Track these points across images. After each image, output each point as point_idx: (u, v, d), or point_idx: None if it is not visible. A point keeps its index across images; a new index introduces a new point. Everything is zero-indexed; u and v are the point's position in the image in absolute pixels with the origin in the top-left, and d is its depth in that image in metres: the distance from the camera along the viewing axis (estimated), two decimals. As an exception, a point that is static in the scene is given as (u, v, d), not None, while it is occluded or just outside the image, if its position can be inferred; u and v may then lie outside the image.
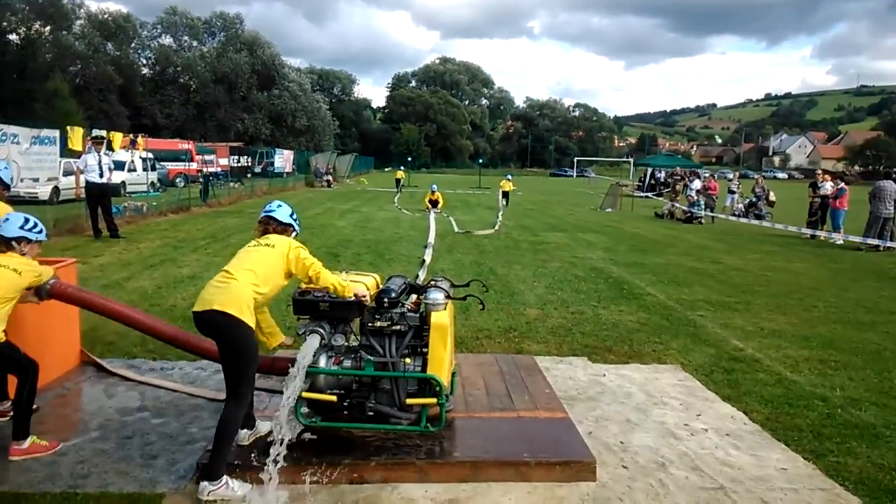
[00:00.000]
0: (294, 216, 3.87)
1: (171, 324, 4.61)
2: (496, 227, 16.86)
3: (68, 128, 15.28)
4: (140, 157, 24.66)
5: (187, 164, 29.97)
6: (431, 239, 13.62)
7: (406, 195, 30.62)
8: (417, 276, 9.02)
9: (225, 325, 3.30)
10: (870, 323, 7.60)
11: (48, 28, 48.54)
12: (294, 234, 3.84)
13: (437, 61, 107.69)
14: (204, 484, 3.28)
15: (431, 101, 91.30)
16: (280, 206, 3.87)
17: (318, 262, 3.62)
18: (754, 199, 21.76)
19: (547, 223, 18.98)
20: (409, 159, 64.38)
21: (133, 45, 57.88)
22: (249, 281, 3.40)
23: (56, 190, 18.65)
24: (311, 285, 3.68)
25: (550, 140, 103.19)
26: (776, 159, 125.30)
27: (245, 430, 3.67)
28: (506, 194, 25.29)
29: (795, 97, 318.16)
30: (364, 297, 3.71)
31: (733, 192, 24.23)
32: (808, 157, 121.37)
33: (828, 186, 17.02)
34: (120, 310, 4.17)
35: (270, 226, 3.76)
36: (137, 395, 4.67)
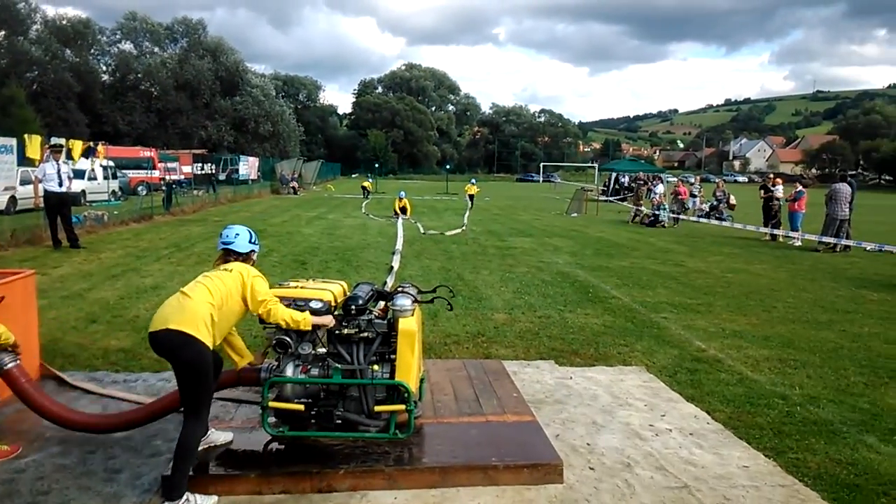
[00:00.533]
0: (254, 239, 3.77)
1: (126, 409, 4.39)
2: (463, 227, 18.35)
3: (26, 136, 14.89)
4: (100, 166, 24.19)
5: (149, 172, 29.48)
6: (399, 245, 13.65)
7: (374, 201, 30.58)
8: (385, 282, 9.05)
9: (181, 344, 3.23)
10: (827, 322, 7.82)
11: (2, 33, 47.40)
12: (255, 254, 3.79)
13: (403, 67, 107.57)
14: None
15: (398, 108, 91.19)
16: (238, 234, 3.73)
17: (272, 297, 3.56)
18: (715, 203, 22.21)
19: (514, 228, 19.11)
20: (377, 165, 64.21)
21: (92, 51, 56.79)
22: (205, 299, 3.34)
23: (13, 199, 18.17)
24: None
25: (517, 146, 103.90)
26: (736, 163, 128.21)
27: None
28: (471, 197, 28.23)
29: (754, 102, 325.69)
30: (325, 324, 3.69)
31: (695, 196, 24.78)
32: (767, 160, 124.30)
33: (779, 189, 17.50)
34: (73, 418, 3.94)
35: (231, 256, 3.69)
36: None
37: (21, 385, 3.88)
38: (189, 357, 3.25)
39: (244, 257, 3.70)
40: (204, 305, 3.32)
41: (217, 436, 3.75)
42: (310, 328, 3.63)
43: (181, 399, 3.42)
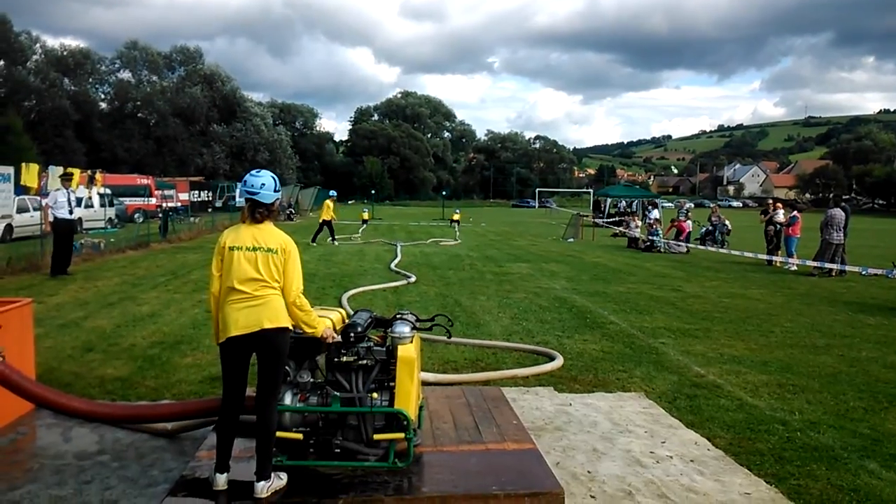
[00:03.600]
0: (277, 187, 3.62)
1: (127, 403, 4.46)
2: (457, 240, 23.84)
3: (23, 164, 14.95)
4: (97, 193, 24.23)
5: (146, 199, 29.54)
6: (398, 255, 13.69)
7: (370, 228, 30.67)
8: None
9: (277, 338, 3.48)
10: (825, 346, 7.82)
11: (1, 63, 47.78)
12: (278, 202, 3.70)
13: (399, 95, 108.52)
14: (261, 484, 3.40)
15: (394, 135, 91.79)
16: (264, 184, 3.53)
17: (301, 286, 3.63)
18: (711, 228, 22.25)
19: (511, 254, 19.14)
20: (373, 192, 64.43)
21: (90, 79, 57.25)
22: (275, 292, 3.51)
23: (9, 228, 18.17)
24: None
25: (512, 172, 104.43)
26: (730, 188, 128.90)
27: (224, 475, 3.51)
28: (457, 221, 34.17)
29: (747, 128, 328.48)
30: (329, 338, 3.70)
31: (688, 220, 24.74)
32: (761, 185, 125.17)
33: (780, 214, 17.57)
34: (66, 403, 4.01)
35: (258, 211, 3.56)
36: (96, 438, 4.54)
37: (11, 378, 3.88)
38: (283, 345, 3.53)
39: (269, 207, 3.59)
40: (278, 297, 3.51)
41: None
42: (318, 335, 3.65)
43: (267, 383, 3.49)
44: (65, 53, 54.18)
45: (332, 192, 24.09)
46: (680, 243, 21.01)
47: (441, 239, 24.58)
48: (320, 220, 21.44)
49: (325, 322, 3.69)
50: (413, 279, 12.56)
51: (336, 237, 21.42)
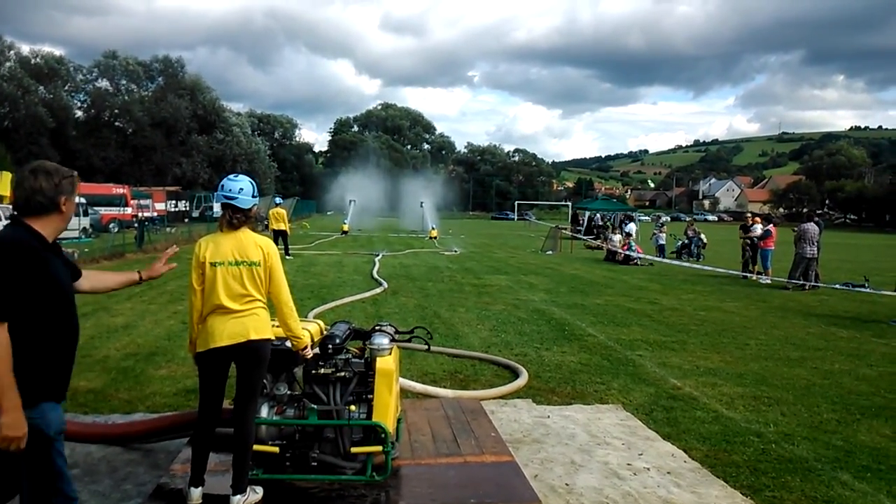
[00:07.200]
0: (255, 192, 3.56)
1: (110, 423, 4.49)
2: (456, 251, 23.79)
3: (-4, 172, 14.74)
4: (71, 202, 23.84)
5: (122, 209, 29.21)
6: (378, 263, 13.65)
7: (349, 238, 30.58)
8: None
9: (262, 348, 3.48)
10: (798, 359, 7.92)
11: (-28, 69, 47.06)
12: (256, 208, 3.64)
13: (380, 107, 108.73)
14: (237, 498, 3.38)
15: (374, 146, 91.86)
16: (242, 188, 3.47)
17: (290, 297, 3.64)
18: (687, 242, 22.49)
19: (490, 266, 19.18)
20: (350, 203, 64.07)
21: (66, 87, 56.49)
22: (262, 304, 3.55)
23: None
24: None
25: (491, 184, 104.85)
26: (706, 202, 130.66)
27: (198, 489, 3.48)
28: (434, 238, 33.97)
29: (722, 143, 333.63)
30: (305, 352, 3.70)
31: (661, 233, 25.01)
32: (735, 200, 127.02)
33: (758, 228, 17.81)
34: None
35: (235, 217, 3.51)
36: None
37: None
38: (266, 356, 3.53)
39: (247, 213, 3.54)
40: (264, 309, 3.55)
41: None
42: (300, 348, 3.65)
43: (246, 394, 3.48)
44: (38, 60, 53.44)
45: (278, 199, 21.78)
46: (630, 252, 21.20)
47: (439, 249, 25.89)
48: (280, 230, 19.41)
49: (305, 336, 3.67)
50: (385, 286, 12.82)
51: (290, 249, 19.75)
